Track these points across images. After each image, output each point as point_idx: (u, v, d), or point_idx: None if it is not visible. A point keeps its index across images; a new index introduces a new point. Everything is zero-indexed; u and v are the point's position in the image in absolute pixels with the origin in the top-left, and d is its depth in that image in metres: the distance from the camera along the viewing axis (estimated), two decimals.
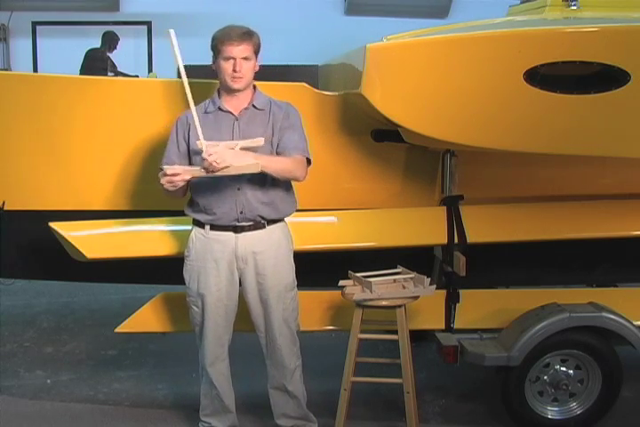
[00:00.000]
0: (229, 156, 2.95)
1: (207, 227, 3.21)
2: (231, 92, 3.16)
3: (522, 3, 4.20)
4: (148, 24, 10.41)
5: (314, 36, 9.54)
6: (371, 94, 3.13)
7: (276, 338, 3.30)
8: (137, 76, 7.81)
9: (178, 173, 2.99)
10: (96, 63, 8.96)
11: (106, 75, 8.65)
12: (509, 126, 3.21)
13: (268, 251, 3.22)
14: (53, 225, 3.41)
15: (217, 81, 3.22)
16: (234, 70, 3.08)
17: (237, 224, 3.18)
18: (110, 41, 9.30)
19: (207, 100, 3.22)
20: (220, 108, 3.18)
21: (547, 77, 3.10)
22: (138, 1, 10.36)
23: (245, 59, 3.09)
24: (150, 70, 10.16)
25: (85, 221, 3.50)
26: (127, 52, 9.82)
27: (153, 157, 3.52)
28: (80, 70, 8.73)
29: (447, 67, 3.14)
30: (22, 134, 3.49)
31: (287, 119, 3.19)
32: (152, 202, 3.57)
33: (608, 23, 3.33)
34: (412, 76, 3.15)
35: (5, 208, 3.52)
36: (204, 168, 2.97)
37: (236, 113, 3.18)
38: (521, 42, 3.15)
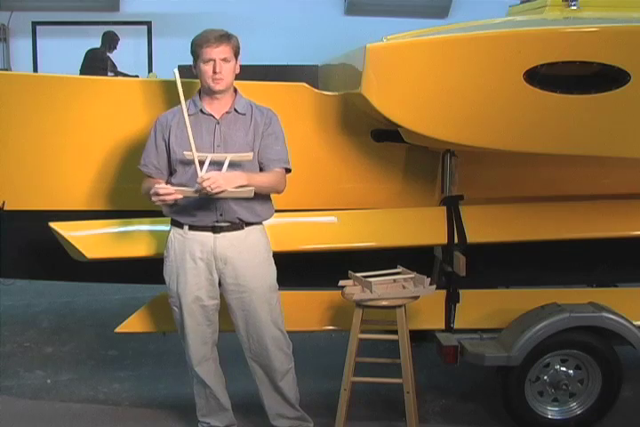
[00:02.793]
0: (224, 181, 2.96)
1: (186, 227, 3.22)
2: (212, 94, 3.16)
3: (522, 3, 4.20)
4: (148, 24, 10.44)
5: (314, 36, 9.56)
6: (371, 94, 3.13)
7: (265, 341, 3.29)
8: (137, 76, 7.81)
9: (170, 192, 3.00)
10: (96, 63, 8.97)
11: (106, 75, 8.66)
12: (509, 126, 3.21)
13: (248, 251, 3.23)
14: (53, 225, 3.42)
15: None
16: (214, 71, 3.08)
17: (216, 224, 3.19)
18: (110, 41, 9.31)
19: (187, 101, 3.20)
20: (201, 111, 3.18)
21: (547, 77, 3.10)
22: (138, 1, 10.38)
23: (225, 60, 3.09)
24: (150, 70, 10.18)
25: (85, 221, 3.50)
26: (127, 52, 9.84)
27: None
28: (80, 70, 8.74)
29: (447, 67, 3.14)
30: (22, 134, 3.49)
31: (269, 126, 3.20)
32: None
33: (608, 23, 3.33)
34: (411, 77, 3.15)
35: (5, 208, 3.52)
36: (198, 191, 2.98)
37: (217, 116, 3.18)
38: (521, 42, 3.15)
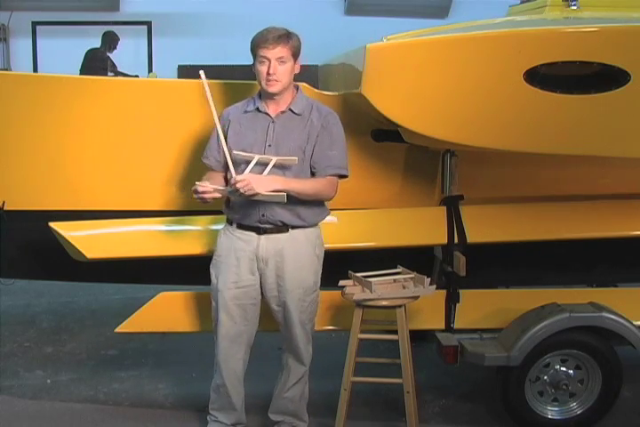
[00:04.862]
0: (257, 184, 2.96)
1: (234, 225, 3.25)
2: (269, 95, 3.16)
3: (522, 3, 4.20)
4: (148, 24, 10.43)
5: (314, 36, 9.50)
6: (371, 94, 3.13)
7: (294, 338, 3.34)
8: (137, 76, 7.82)
9: (209, 190, 3.02)
10: (96, 63, 8.97)
11: (106, 75, 8.66)
12: (509, 126, 3.21)
13: (289, 254, 3.21)
14: (53, 225, 3.41)
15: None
16: (267, 73, 3.07)
17: (260, 226, 3.19)
18: (110, 41, 9.31)
19: (249, 98, 3.24)
20: (257, 109, 3.19)
21: (547, 77, 3.10)
22: (138, 1, 10.37)
23: (280, 61, 3.07)
24: (150, 70, 10.17)
25: (85, 221, 3.50)
26: (127, 52, 9.84)
27: (154, 157, 3.52)
28: (80, 70, 8.74)
29: (447, 67, 3.13)
30: (22, 134, 3.49)
31: (325, 129, 3.17)
32: (152, 202, 3.57)
33: (608, 23, 3.33)
34: (411, 76, 3.15)
35: (5, 208, 3.52)
36: (232, 192, 3.02)
37: (273, 115, 3.18)
38: (521, 42, 3.15)
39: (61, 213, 3.52)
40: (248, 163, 3.08)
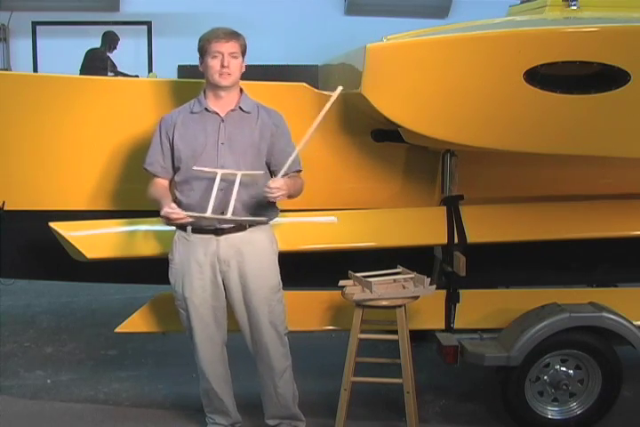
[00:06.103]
0: (287, 188, 3.03)
1: (189, 229, 3.21)
2: (218, 90, 3.15)
3: (522, 3, 4.20)
4: (148, 24, 10.44)
5: (314, 36, 9.56)
6: (371, 94, 3.13)
7: (263, 341, 3.30)
8: (137, 76, 7.81)
9: (181, 217, 3.03)
10: (96, 63, 8.97)
11: (106, 75, 8.66)
12: (509, 126, 3.21)
13: (251, 253, 3.21)
14: (53, 225, 3.42)
15: None
16: (222, 66, 3.08)
17: (218, 226, 3.18)
18: (110, 41, 9.31)
19: (193, 100, 3.22)
20: (206, 109, 3.17)
21: (547, 77, 3.10)
22: (138, 1, 10.38)
23: (233, 56, 3.10)
24: (150, 70, 10.18)
25: (85, 221, 3.50)
26: (127, 52, 9.84)
27: None
28: (80, 70, 8.74)
29: (447, 67, 3.14)
30: (22, 134, 3.49)
31: (279, 128, 3.21)
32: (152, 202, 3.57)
33: (608, 23, 3.33)
34: (411, 76, 3.15)
35: (5, 208, 3.52)
36: (216, 217, 3.03)
37: (222, 114, 3.17)
38: (521, 42, 3.15)
39: (61, 213, 3.53)
40: (200, 178, 3.10)
